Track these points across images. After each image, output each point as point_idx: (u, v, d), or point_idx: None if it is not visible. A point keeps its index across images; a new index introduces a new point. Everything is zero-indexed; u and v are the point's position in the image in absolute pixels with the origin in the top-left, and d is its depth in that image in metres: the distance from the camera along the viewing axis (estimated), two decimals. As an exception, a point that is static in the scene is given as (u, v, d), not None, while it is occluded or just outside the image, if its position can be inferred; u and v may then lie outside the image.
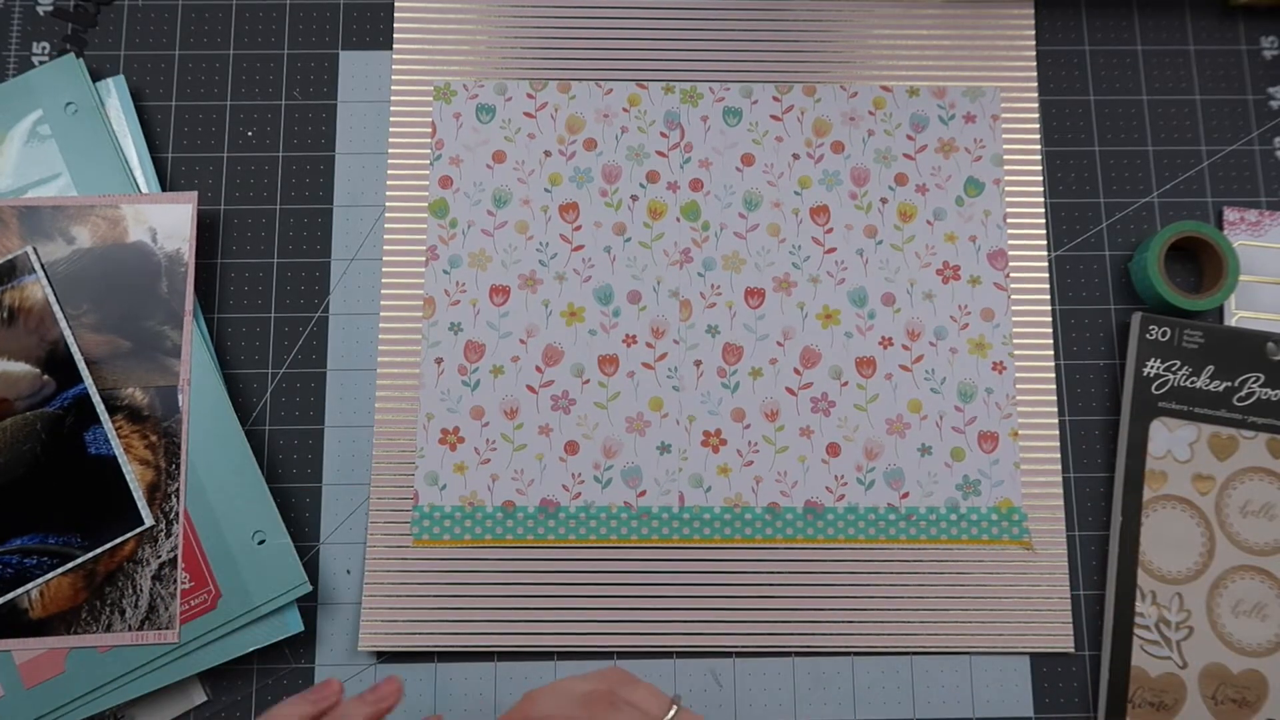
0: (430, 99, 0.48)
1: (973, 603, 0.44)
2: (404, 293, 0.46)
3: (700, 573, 0.44)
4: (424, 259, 0.47)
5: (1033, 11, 0.50)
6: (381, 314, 0.46)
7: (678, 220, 0.48)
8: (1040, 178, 0.48)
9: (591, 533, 0.44)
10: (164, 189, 0.47)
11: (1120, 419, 0.46)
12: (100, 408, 0.43)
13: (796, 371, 0.46)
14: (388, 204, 0.47)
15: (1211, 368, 0.45)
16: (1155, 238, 0.46)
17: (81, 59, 0.47)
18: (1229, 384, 0.45)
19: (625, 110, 0.48)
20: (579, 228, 0.47)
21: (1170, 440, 0.45)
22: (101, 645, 0.41)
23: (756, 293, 0.47)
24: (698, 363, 0.46)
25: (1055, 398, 0.46)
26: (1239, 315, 0.47)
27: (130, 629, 0.41)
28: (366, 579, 0.43)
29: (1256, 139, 0.49)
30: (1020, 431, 0.46)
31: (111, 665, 0.41)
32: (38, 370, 0.43)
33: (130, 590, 0.42)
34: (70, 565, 0.42)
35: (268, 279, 0.47)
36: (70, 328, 0.43)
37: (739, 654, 0.44)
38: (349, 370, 0.46)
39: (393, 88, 0.48)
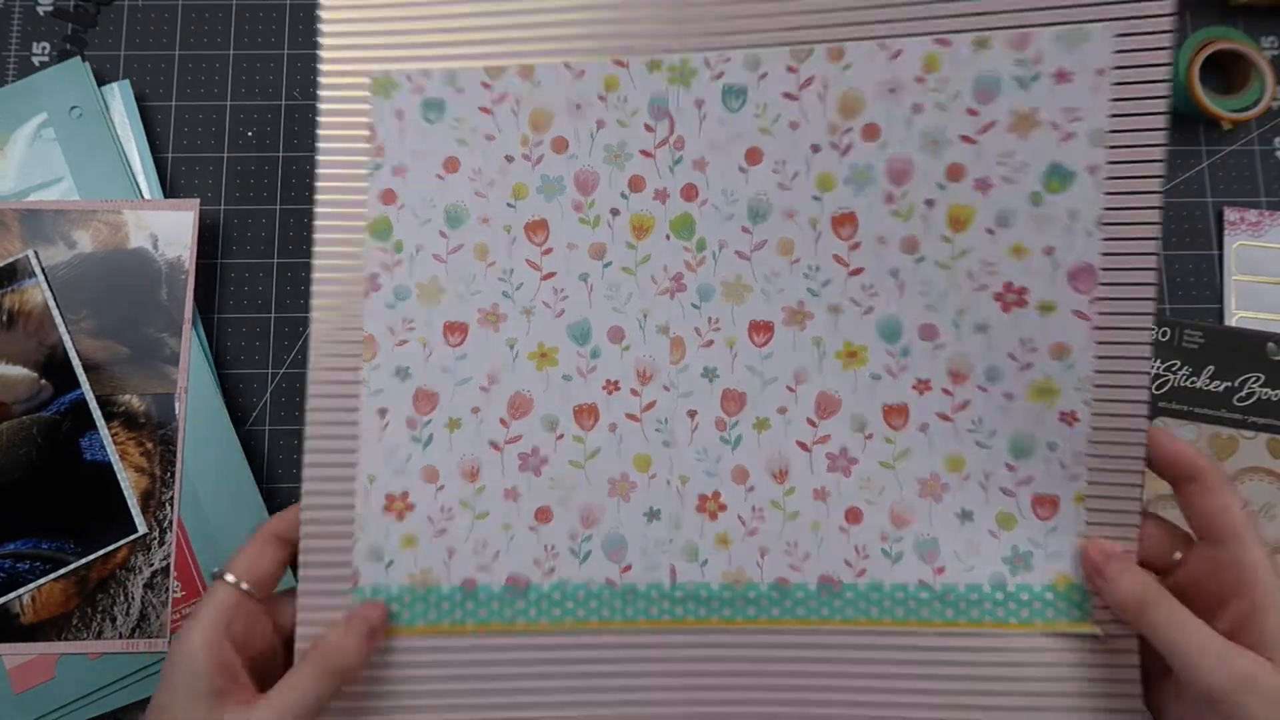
0: (366, 94, 0.40)
1: (1023, 699, 0.37)
2: (339, 330, 0.40)
3: (696, 660, 0.38)
4: (363, 290, 0.40)
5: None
6: (311, 355, 0.40)
7: (668, 238, 0.39)
8: (1162, 160, 0.36)
9: (568, 615, 0.39)
10: (164, 189, 0.48)
11: None
12: (97, 414, 0.43)
13: (811, 422, 0.38)
14: (317, 224, 0.40)
15: (1211, 368, 0.45)
16: (1185, 42, 0.48)
17: (87, 63, 0.47)
18: (1229, 384, 0.45)
19: (601, 99, 0.39)
20: (549, 251, 0.39)
21: None
22: (92, 652, 0.42)
23: (763, 327, 0.39)
24: (692, 413, 0.39)
25: (1142, 457, 0.37)
26: (1239, 315, 0.47)
27: (121, 636, 0.42)
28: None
29: (1256, 139, 0.50)
30: (1088, 495, 0.37)
31: (102, 672, 0.42)
32: (35, 374, 0.43)
33: (122, 598, 0.42)
34: (63, 571, 0.42)
35: (268, 279, 0.48)
36: (69, 332, 0.44)
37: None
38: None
39: (321, 80, 0.40)
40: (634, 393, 0.39)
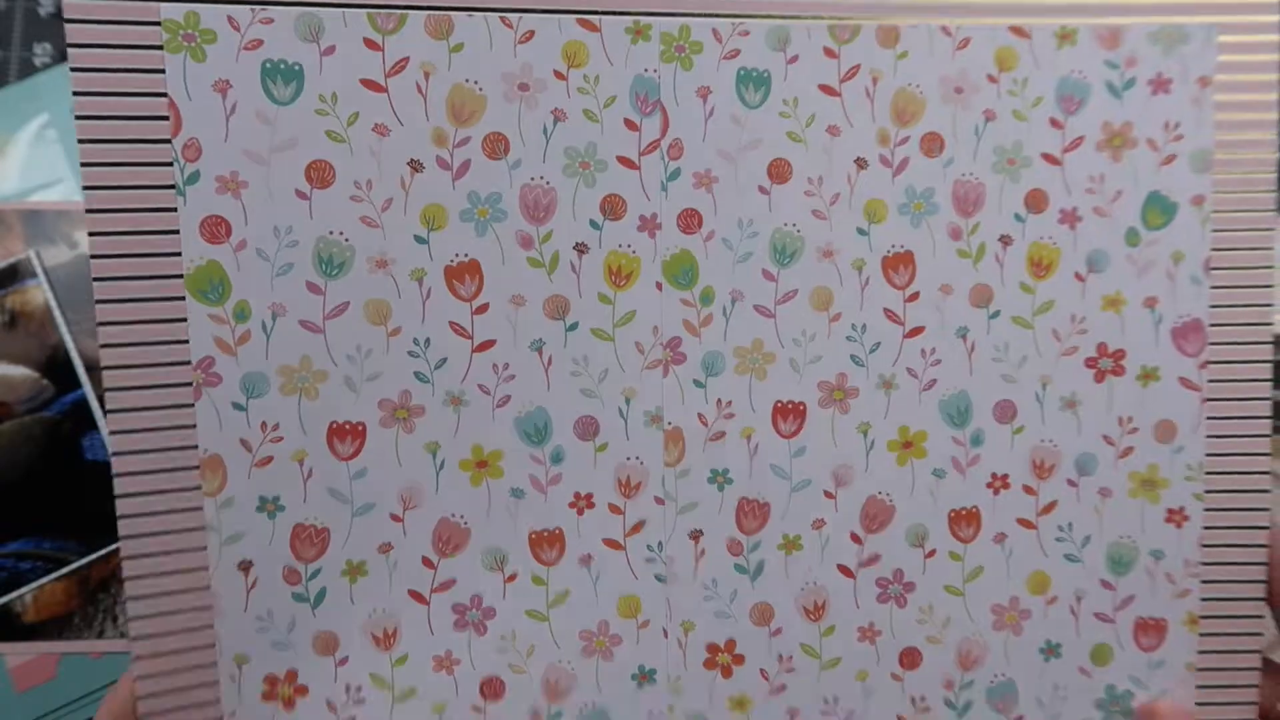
0: (159, 52, 0.25)
1: None
2: (159, 455, 0.25)
3: None
4: (189, 387, 0.25)
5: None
6: (119, 501, 0.25)
7: (659, 287, 0.27)
8: (1273, 188, 0.29)
9: (532, 832, 0.27)
10: None
11: None
12: (98, 413, 0.43)
13: (855, 538, 0.28)
14: (94, 284, 0.25)
15: None
16: None
17: None
18: None
19: (559, 76, 0.26)
20: (483, 308, 0.26)
21: None
22: (94, 651, 0.41)
23: (791, 410, 0.28)
24: (696, 534, 0.28)
25: (1264, 564, 0.29)
26: None
27: (123, 636, 0.41)
28: None
29: None
30: (1202, 616, 0.29)
31: (103, 672, 0.41)
32: (37, 375, 0.42)
33: (123, 597, 0.37)
34: (64, 571, 0.42)
35: None
36: (71, 333, 0.43)
37: None
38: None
39: (68, 29, 0.24)
40: (614, 509, 0.27)
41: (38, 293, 0.43)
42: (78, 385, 0.43)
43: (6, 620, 0.42)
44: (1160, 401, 0.29)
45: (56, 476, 0.42)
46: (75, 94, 0.24)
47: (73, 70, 0.24)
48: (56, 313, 0.43)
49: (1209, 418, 0.29)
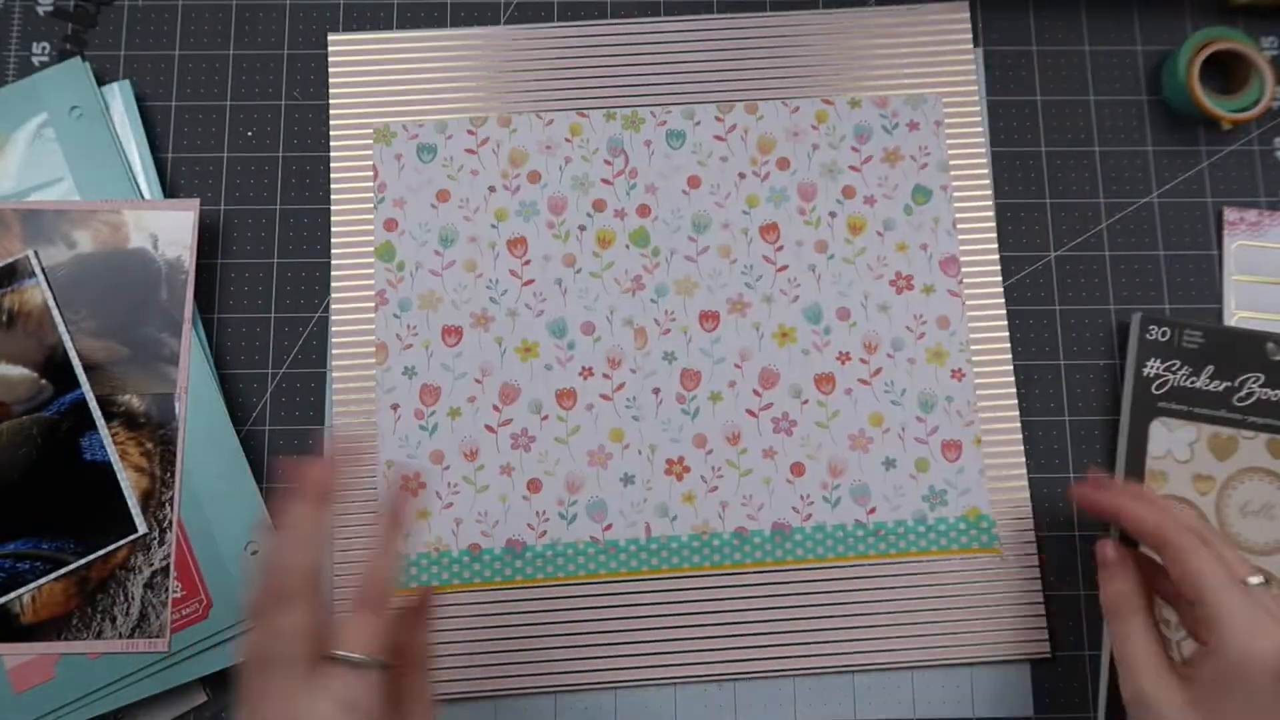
0: (370, 141, 0.48)
1: (947, 614, 0.44)
2: (355, 340, 0.46)
3: (672, 602, 0.44)
4: (373, 305, 0.46)
5: (968, 14, 0.49)
6: (333, 362, 0.45)
7: (627, 247, 0.47)
8: (988, 179, 0.48)
9: (559, 570, 0.44)
10: (164, 189, 0.47)
11: (1120, 419, 0.45)
12: (97, 414, 0.43)
13: (756, 393, 0.46)
14: (334, 252, 0.46)
15: (1211, 368, 0.45)
16: (1185, 44, 0.48)
17: (87, 63, 0.47)
18: (1229, 384, 0.45)
19: (568, 140, 0.48)
20: (528, 262, 0.47)
21: (1170, 440, 0.45)
22: (92, 652, 0.41)
23: (711, 316, 0.47)
24: (656, 390, 0.46)
25: (1015, 400, 0.46)
26: (1239, 315, 0.47)
27: (121, 637, 0.41)
28: (334, 633, 0.43)
29: (1256, 139, 0.49)
30: (983, 437, 0.46)
31: (101, 672, 0.41)
32: (35, 375, 0.42)
33: (122, 598, 0.42)
34: (63, 571, 0.42)
35: (268, 279, 0.47)
36: (69, 333, 0.43)
37: (722, 680, 0.43)
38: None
39: (332, 133, 0.48)
40: (606, 376, 0.46)
41: (36, 292, 0.43)
42: (76, 385, 0.43)
43: (5, 621, 0.41)
44: (937, 305, 0.47)
45: (55, 477, 0.42)
46: (334, 159, 0.47)
47: (334, 157, 0.47)
48: (55, 312, 0.43)
49: (968, 313, 0.47)
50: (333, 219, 0.47)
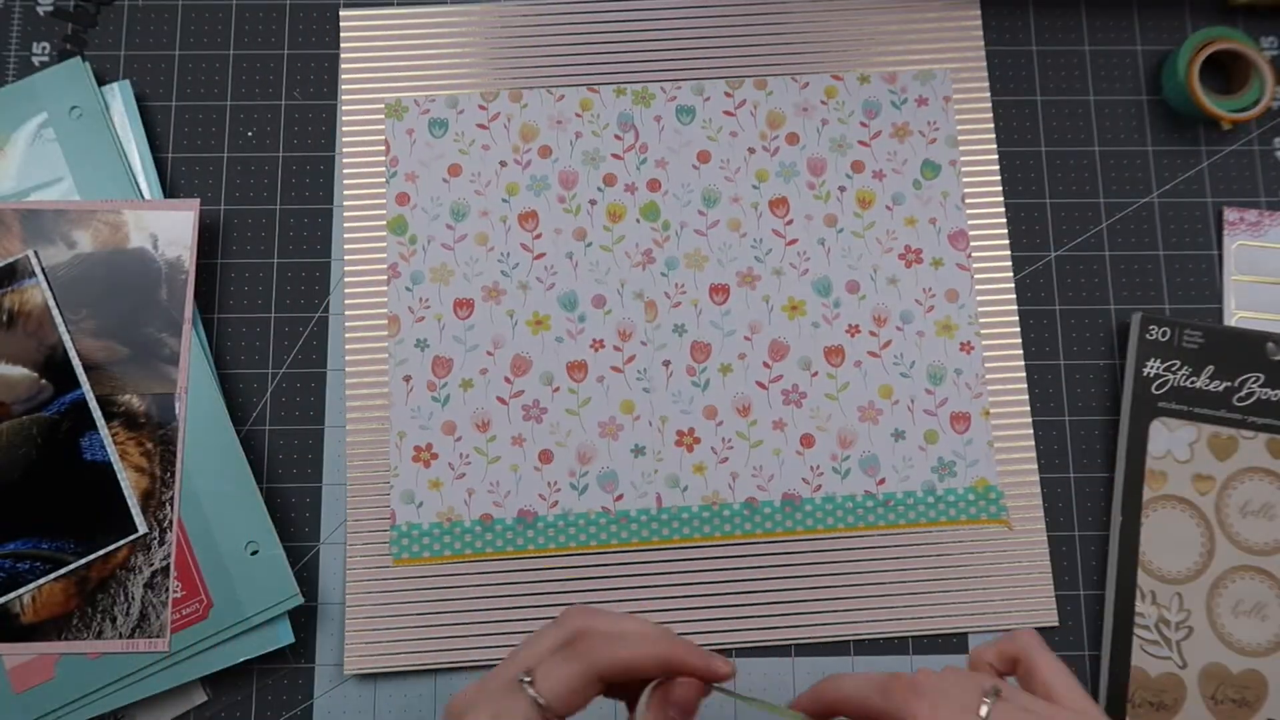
0: (382, 116, 0.48)
1: (956, 583, 0.44)
2: (368, 312, 0.46)
3: (682, 572, 0.44)
4: (386, 277, 0.46)
5: (978, -7, 0.50)
6: (346, 334, 0.46)
7: (637, 221, 0.48)
8: (996, 163, 0.49)
9: (571, 540, 0.44)
10: (164, 189, 0.47)
11: (1120, 419, 0.46)
12: (97, 413, 0.43)
13: (766, 365, 0.46)
14: (345, 224, 0.47)
15: (1211, 368, 0.45)
16: (1185, 44, 0.48)
17: (87, 63, 0.47)
18: (1229, 384, 0.45)
19: (578, 115, 0.48)
20: (539, 236, 0.47)
21: (1170, 440, 0.45)
22: (92, 652, 0.41)
23: (721, 289, 0.47)
24: (666, 363, 0.46)
25: (1024, 375, 0.46)
26: (1239, 315, 0.47)
27: (121, 637, 0.41)
28: (348, 602, 0.43)
29: (1256, 139, 0.49)
30: (992, 410, 0.46)
31: (101, 672, 0.41)
32: (35, 374, 0.43)
33: (122, 598, 0.42)
34: (63, 571, 0.42)
35: (268, 279, 0.47)
36: (69, 332, 0.43)
37: (734, 649, 0.44)
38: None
39: (342, 107, 0.48)
40: (616, 349, 0.46)
41: (36, 292, 0.43)
42: (76, 385, 0.43)
43: (5, 621, 0.41)
44: (946, 278, 0.47)
45: (55, 477, 0.42)
46: (345, 134, 0.47)
47: (345, 129, 0.47)
48: (55, 312, 0.43)
49: (976, 286, 0.47)
50: (344, 193, 0.47)
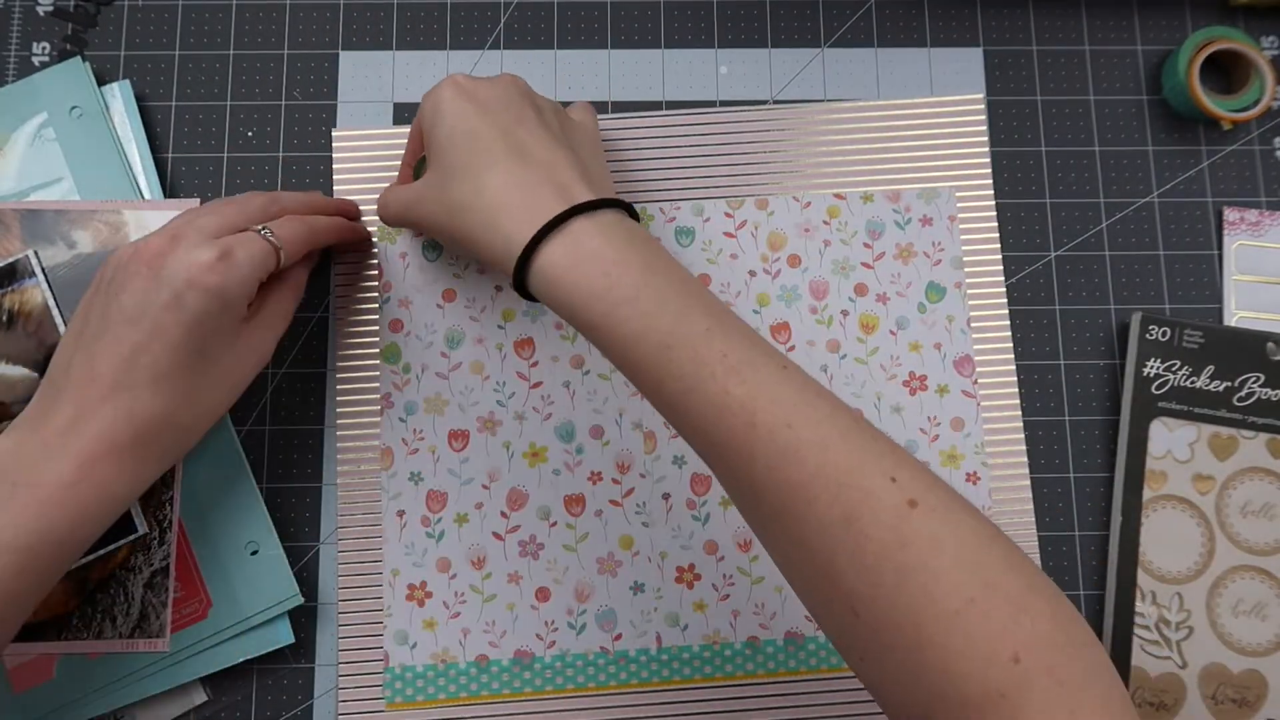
0: (375, 240, 0.47)
1: None
2: (361, 445, 0.45)
3: (682, 715, 0.43)
4: (379, 408, 0.45)
5: (983, 106, 0.49)
6: (339, 469, 0.45)
7: (636, 349, 0.47)
8: (1002, 277, 0.48)
9: (569, 681, 0.43)
10: (164, 189, 0.47)
11: (1120, 419, 0.45)
12: None
13: (767, 497, 0.45)
14: (339, 353, 0.46)
15: (1211, 368, 0.45)
16: (1185, 44, 0.48)
17: (87, 63, 0.47)
18: (1229, 384, 0.45)
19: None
20: (535, 364, 0.46)
21: (1170, 440, 0.45)
22: (92, 652, 0.41)
23: (721, 418, 0.46)
24: (666, 495, 0.45)
25: (1032, 506, 0.45)
26: (1239, 315, 0.47)
27: (121, 637, 0.42)
28: (341, 749, 0.42)
29: (1256, 139, 0.49)
30: (989, 463, 0.45)
31: (101, 672, 0.41)
32: (35, 374, 0.42)
33: (122, 598, 0.42)
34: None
35: None
36: None
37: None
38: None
39: (337, 230, 0.47)
40: (615, 481, 0.46)
41: (36, 292, 0.43)
42: None
43: None
44: (951, 406, 0.46)
45: None
46: (336, 261, 0.47)
47: (335, 258, 0.46)
48: (55, 313, 0.43)
49: (983, 415, 0.46)
50: (336, 320, 0.46)
